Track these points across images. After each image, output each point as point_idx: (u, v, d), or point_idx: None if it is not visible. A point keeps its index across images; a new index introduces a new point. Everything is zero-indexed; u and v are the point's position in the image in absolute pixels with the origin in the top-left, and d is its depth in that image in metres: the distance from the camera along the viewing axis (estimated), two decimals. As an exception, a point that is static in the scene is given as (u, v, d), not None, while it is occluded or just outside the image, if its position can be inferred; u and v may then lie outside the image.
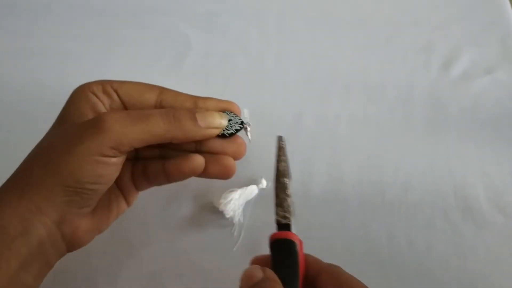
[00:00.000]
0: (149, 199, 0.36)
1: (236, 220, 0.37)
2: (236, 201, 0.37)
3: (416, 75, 0.47)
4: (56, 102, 0.46)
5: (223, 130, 0.30)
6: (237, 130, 0.30)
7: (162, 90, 0.30)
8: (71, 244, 0.28)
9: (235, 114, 0.31)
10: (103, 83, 0.29)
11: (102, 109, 0.29)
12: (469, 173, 0.40)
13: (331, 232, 0.38)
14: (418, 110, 0.45)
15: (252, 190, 0.38)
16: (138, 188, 0.32)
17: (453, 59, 0.48)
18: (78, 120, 0.28)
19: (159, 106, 0.30)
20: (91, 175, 0.26)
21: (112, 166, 0.27)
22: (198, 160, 0.30)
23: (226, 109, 0.31)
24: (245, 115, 0.32)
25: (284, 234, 0.27)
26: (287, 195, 0.28)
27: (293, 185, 0.40)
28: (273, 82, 0.47)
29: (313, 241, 0.37)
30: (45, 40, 0.50)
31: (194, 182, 0.40)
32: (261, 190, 0.39)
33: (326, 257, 0.36)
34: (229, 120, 0.30)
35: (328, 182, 0.40)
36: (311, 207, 0.39)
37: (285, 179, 0.28)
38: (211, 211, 0.38)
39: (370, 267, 0.36)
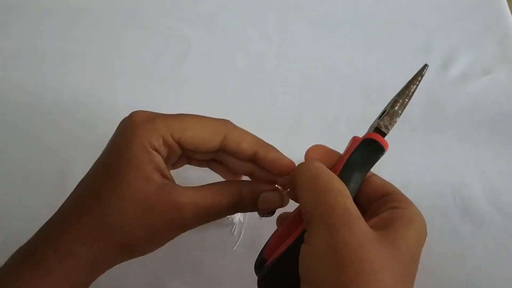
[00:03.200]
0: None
1: (236, 219, 0.38)
2: (236, 200, 0.37)
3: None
4: (57, 103, 0.47)
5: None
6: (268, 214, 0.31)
7: (227, 133, 0.28)
8: None
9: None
10: (163, 135, 0.27)
11: (164, 167, 0.27)
12: (467, 173, 0.41)
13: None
14: (417, 110, 0.45)
15: (252, 190, 0.39)
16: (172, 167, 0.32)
17: (451, 59, 0.48)
18: (142, 185, 0.26)
19: (221, 150, 0.29)
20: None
21: None
22: None
23: (285, 166, 0.29)
24: None
25: (382, 140, 0.28)
26: (400, 113, 0.29)
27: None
28: (273, 82, 0.48)
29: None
30: (46, 41, 0.51)
31: (194, 182, 0.40)
32: (261, 190, 0.39)
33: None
34: None
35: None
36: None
37: (407, 100, 0.29)
38: (212, 211, 0.38)
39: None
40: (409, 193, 0.39)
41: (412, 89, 0.30)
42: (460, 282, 0.35)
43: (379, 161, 0.42)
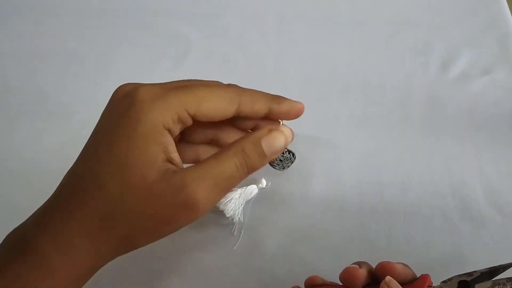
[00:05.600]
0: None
1: (236, 219, 0.38)
2: (236, 200, 0.38)
3: (415, 76, 0.47)
4: (57, 103, 0.47)
5: (278, 166, 0.32)
6: (288, 167, 0.33)
7: (240, 100, 0.27)
8: None
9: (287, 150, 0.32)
10: (179, 113, 0.25)
11: (173, 148, 0.25)
12: (467, 173, 0.41)
13: (330, 231, 0.38)
14: (417, 110, 0.45)
15: (252, 190, 0.39)
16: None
17: (451, 60, 0.48)
18: (145, 170, 0.24)
19: (235, 116, 0.28)
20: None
21: None
22: None
23: (299, 110, 0.30)
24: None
25: None
26: None
27: (293, 185, 0.40)
28: (273, 82, 0.48)
29: (313, 240, 0.37)
30: (46, 41, 0.51)
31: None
32: (261, 190, 0.39)
33: (325, 256, 0.37)
34: (282, 155, 0.32)
35: (328, 182, 0.40)
36: (310, 206, 0.39)
37: None
38: (211, 211, 0.38)
39: (369, 266, 0.36)
40: (409, 193, 0.40)
41: None
42: (460, 282, 0.35)
43: (379, 162, 0.43)
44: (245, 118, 0.29)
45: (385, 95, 0.46)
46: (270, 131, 0.27)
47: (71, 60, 0.49)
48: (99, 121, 0.27)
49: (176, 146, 0.26)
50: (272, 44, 0.51)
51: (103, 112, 0.27)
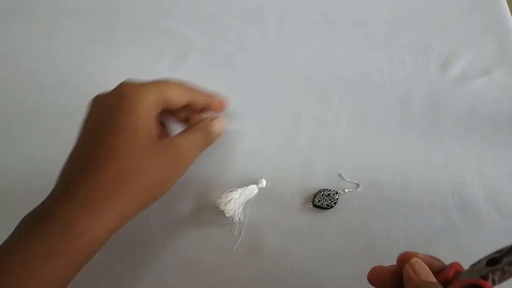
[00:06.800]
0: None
1: (236, 219, 0.38)
2: (236, 200, 0.38)
3: (415, 76, 0.47)
4: (58, 104, 0.47)
5: (323, 205, 0.38)
6: (332, 206, 0.39)
7: (193, 94, 0.37)
8: None
9: (334, 191, 0.39)
10: (161, 99, 0.33)
11: (157, 123, 0.34)
12: (467, 172, 0.41)
13: (330, 231, 0.38)
14: (416, 110, 0.45)
15: (252, 190, 0.39)
16: None
17: (451, 60, 0.48)
18: (147, 135, 0.32)
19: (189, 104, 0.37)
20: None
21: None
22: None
23: (222, 104, 0.41)
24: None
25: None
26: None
27: (293, 185, 0.40)
28: (273, 82, 0.48)
29: (312, 240, 0.38)
30: (47, 42, 0.51)
31: (195, 182, 0.40)
32: (261, 190, 0.39)
33: (325, 256, 0.37)
34: (328, 196, 0.39)
35: (328, 182, 0.40)
36: (310, 206, 0.39)
37: None
38: (212, 211, 0.38)
39: (368, 266, 0.36)
40: (409, 193, 0.40)
41: None
42: (460, 282, 0.35)
43: (379, 162, 0.43)
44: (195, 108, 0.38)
45: (385, 95, 0.46)
46: (211, 120, 0.38)
47: (71, 60, 0.49)
48: (91, 115, 0.33)
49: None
50: (272, 44, 0.51)
51: (91, 111, 0.33)
